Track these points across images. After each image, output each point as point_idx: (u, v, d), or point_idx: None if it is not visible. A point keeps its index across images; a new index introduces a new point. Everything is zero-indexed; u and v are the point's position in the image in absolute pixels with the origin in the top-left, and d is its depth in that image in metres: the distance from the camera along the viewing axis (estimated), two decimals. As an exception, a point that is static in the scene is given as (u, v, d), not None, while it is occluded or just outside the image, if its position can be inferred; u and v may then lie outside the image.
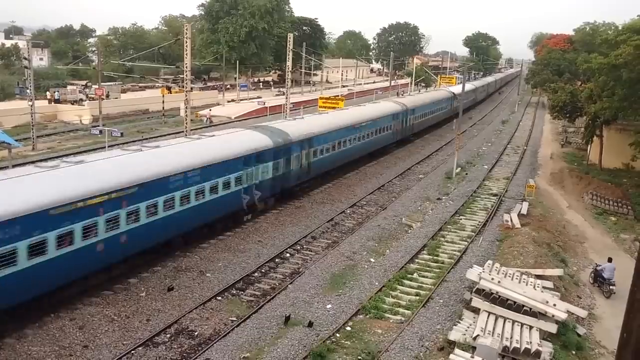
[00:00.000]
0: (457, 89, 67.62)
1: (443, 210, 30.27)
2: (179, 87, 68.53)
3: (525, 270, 20.65)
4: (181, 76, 49.29)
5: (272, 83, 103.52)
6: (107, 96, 63.60)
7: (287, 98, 51.86)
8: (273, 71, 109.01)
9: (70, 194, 16.29)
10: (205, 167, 21.68)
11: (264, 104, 62.57)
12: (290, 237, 24.78)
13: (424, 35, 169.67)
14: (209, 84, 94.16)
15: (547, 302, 17.34)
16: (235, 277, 20.21)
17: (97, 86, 54.05)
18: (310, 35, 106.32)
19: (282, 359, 15.15)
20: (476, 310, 17.72)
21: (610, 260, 22.82)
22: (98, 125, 44.31)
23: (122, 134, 38.38)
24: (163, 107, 58.04)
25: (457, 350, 15.41)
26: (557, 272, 21.33)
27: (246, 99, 75.05)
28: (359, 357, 15.51)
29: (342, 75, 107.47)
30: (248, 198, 24.76)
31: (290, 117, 42.80)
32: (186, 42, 36.26)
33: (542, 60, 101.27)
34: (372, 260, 22.77)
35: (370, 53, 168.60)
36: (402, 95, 71.00)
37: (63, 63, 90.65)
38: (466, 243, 25.14)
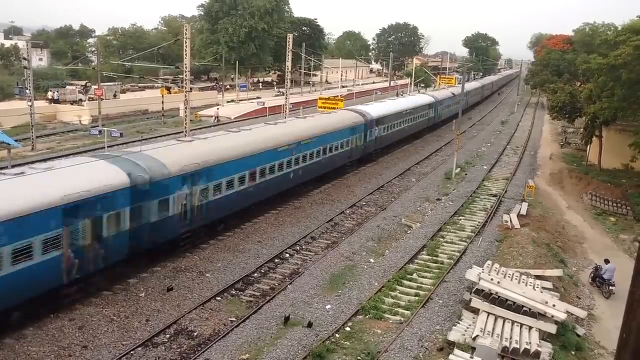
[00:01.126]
0: (375, 109, 42.02)
1: (442, 211, 30.28)
2: (178, 87, 68.55)
3: (525, 270, 20.67)
4: (180, 76, 49.24)
5: (274, 83, 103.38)
6: (115, 96, 63.88)
7: (286, 98, 51.88)
8: (272, 71, 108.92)
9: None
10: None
11: (264, 104, 62.66)
12: (290, 237, 24.78)
13: (423, 36, 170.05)
14: (212, 84, 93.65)
15: (547, 302, 17.35)
16: (235, 278, 20.21)
17: (96, 86, 54.03)
18: (310, 36, 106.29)
19: (281, 360, 15.17)
20: (475, 311, 17.73)
21: (607, 261, 22.82)
22: (97, 126, 44.30)
23: (121, 134, 38.38)
24: (162, 108, 58.01)
25: (456, 351, 15.42)
26: (557, 272, 21.34)
27: (245, 100, 75.07)
28: (359, 358, 15.51)
29: (341, 75, 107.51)
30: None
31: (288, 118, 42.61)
32: (185, 42, 36.23)
33: (541, 60, 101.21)
34: (371, 260, 22.77)
35: (370, 53, 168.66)
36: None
37: (62, 63, 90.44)
38: (465, 243, 25.14)
